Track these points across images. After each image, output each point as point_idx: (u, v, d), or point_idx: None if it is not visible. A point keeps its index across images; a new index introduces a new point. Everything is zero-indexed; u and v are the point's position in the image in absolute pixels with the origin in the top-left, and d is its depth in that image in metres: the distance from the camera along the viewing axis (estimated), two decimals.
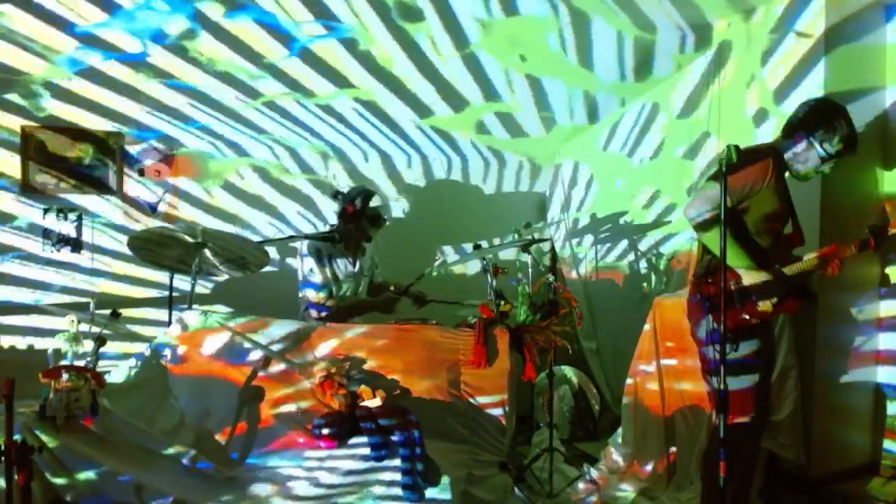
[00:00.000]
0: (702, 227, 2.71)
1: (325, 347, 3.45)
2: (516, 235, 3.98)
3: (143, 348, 3.51)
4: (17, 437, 2.30)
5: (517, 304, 3.51)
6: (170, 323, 3.67)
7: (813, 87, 3.19)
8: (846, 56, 3.20)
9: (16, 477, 2.15)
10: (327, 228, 4.31)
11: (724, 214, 2.35)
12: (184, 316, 3.52)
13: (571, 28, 3.82)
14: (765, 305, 2.66)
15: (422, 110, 4.76)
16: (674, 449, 3.40)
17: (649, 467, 3.44)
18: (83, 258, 4.75)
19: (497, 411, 3.33)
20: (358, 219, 4.10)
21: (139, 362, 3.40)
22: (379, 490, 2.80)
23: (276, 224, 5.23)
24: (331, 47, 3.97)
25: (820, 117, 2.68)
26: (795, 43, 3.34)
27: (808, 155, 2.68)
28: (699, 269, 2.83)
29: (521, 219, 4.21)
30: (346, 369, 3.27)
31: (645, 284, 4.64)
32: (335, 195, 4.21)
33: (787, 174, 2.76)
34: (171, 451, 2.94)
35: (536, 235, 4.16)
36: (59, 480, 2.60)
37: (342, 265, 4.16)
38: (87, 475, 2.65)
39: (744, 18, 3.68)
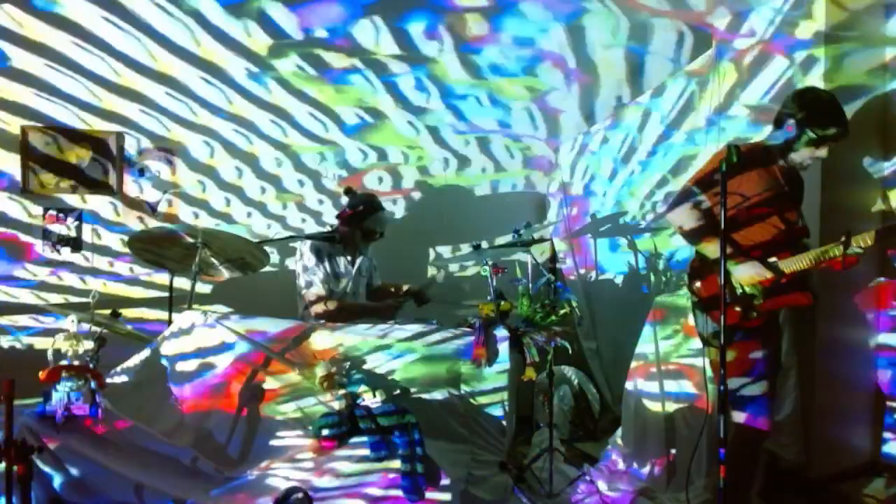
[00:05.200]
0: (690, 236, 2.81)
1: (325, 347, 3.44)
2: (516, 235, 3.97)
3: (143, 348, 3.51)
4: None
5: (518, 304, 3.51)
6: (170, 323, 3.66)
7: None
8: (846, 55, 3.20)
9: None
10: (328, 228, 4.31)
11: (724, 215, 2.35)
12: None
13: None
14: (751, 293, 2.67)
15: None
16: (674, 449, 3.40)
17: (649, 467, 3.44)
18: (83, 258, 4.74)
19: (497, 411, 3.33)
20: (352, 225, 4.09)
21: (139, 362, 3.39)
22: (379, 491, 2.80)
23: (276, 224, 5.22)
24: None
25: (807, 102, 2.73)
26: (795, 42, 3.34)
27: (800, 141, 2.72)
28: (689, 270, 2.89)
29: (520, 219, 4.20)
30: (346, 369, 3.27)
31: (645, 284, 4.64)
32: (347, 191, 4.19)
33: (784, 164, 2.78)
34: (170, 451, 2.94)
35: (536, 236, 4.15)
36: (59, 480, 2.60)
37: (342, 265, 4.16)
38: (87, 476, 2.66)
39: (743, 18, 3.68)
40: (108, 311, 3.44)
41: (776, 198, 2.73)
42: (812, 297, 2.72)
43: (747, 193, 2.71)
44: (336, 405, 3.13)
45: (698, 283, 2.84)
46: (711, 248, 2.74)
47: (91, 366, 2.87)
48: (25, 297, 4.64)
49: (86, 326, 3.08)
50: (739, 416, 2.71)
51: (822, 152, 2.73)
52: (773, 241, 2.72)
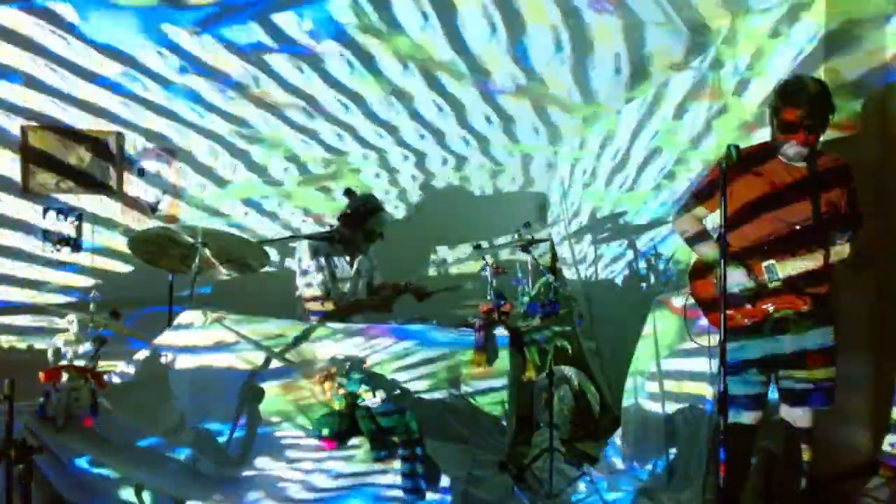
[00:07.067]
0: (689, 242, 2.89)
1: (325, 347, 3.44)
2: (516, 235, 3.98)
3: (142, 348, 3.50)
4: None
5: (518, 305, 3.51)
6: (170, 323, 3.66)
7: None
8: (846, 55, 3.20)
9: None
10: (327, 228, 4.30)
11: (724, 219, 2.31)
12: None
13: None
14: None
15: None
16: (674, 449, 3.40)
17: (649, 467, 3.44)
18: (83, 258, 4.74)
19: (497, 411, 3.33)
20: (354, 226, 4.08)
21: (139, 362, 3.39)
22: (379, 491, 2.80)
23: (275, 224, 5.23)
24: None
25: (777, 89, 2.63)
26: (796, 42, 3.34)
27: (777, 130, 2.60)
28: (690, 270, 2.93)
29: (520, 219, 4.20)
30: (346, 369, 3.27)
31: (644, 284, 4.64)
32: (347, 192, 4.18)
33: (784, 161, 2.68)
34: (170, 451, 2.95)
35: (536, 236, 4.15)
36: (59, 480, 2.60)
37: (340, 265, 4.15)
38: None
39: (742, 19, 3.68)
40: (108, 311, 3.44)
41: (774, 197, 2.67)
42: (809, 301, 2.66)
43: (744, 196, 2.66)
44: (336, 405, 3.13)
45: (695, 283, 2.87)
46: (710, 254, 2.76)
47: (91, 366, 2.87)
48: (26, 297, 4.64)
49: (85, 326, 3.08)
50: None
51: (799, 140, 2.54)
52: (771, 241, 2.67)
